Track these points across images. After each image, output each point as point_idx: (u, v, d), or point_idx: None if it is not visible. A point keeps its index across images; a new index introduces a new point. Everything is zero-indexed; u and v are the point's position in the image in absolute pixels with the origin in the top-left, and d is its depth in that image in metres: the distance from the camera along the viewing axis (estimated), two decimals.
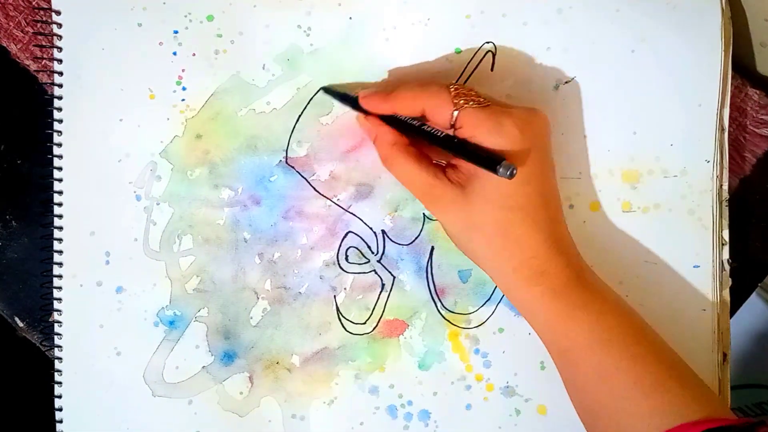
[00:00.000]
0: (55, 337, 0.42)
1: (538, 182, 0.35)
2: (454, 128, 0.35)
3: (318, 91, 0.41)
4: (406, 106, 0.37)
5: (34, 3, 0.42)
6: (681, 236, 0.41)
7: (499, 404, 0.41)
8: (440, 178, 0.36)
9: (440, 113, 0.35)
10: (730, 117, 0.41)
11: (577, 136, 0.41)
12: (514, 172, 0.32)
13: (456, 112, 0.35)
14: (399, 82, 0.40)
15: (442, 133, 0.36)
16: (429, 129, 0.36)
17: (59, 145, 0.41)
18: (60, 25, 0.41)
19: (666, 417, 0.33)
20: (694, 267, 0.41)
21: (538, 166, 0.35)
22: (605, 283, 0.38)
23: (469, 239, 0.37)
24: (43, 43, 0.42)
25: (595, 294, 0.36)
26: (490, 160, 0.33)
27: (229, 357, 0.42)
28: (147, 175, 0.41)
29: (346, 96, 0.40)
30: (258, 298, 0.42)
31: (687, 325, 0.40)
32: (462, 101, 0.35)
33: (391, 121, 0.38)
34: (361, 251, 0.42)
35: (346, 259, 0.42)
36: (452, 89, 0.35)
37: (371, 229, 0.42)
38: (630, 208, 0.41)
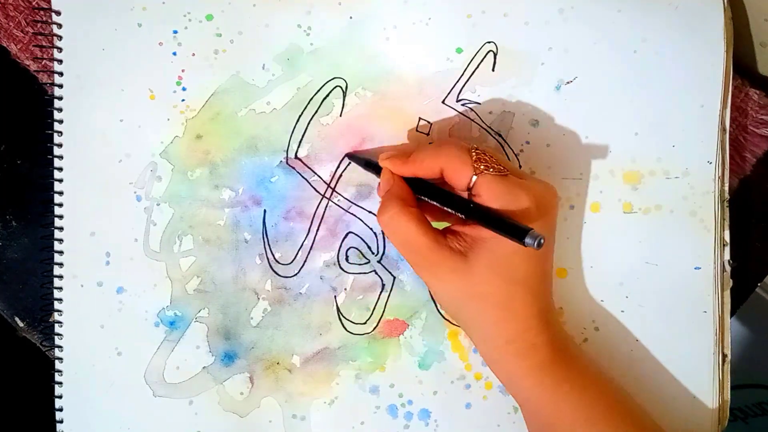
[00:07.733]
0: (56, 337, 0.42)
1: (543, 257, 0.35)
2: (470, 193, 0.35)
3: (344, 157, 0.41)
4: (425, 167, 0.36)
5: (34, 3, 0.42)
6: (682, 238, 0.41)
7: (498, 402, 0.42)
8: (441, 243, 0.35)
9: (459, 176, 0.35)
10: (730, 117, 0.41)
11: (579, 136, 0.41)
12: (542, 242, 0.31)
13: (475, 177, 0.34)
14: (419, 144, 0.40)
15: (471, 202, 0.35)
16: (456, 196, 0.35)
17: (59, 145, 0.41)
18: (60, 25, 0.41)
19: None
20: (695, 269, 0.41)
21: (546, 242, 0.36)
22: (585, 353, 0.38)
23: (464, 308, 0.36)
24: (43, 43, 0.42)
25: (578, 368, 0.36)
26: (517, 230, 0.32)
27: (229, 357, 0.42)
28: (147, 175, 0.41)
29: (369, 162, 0.39)
30: (258, 298, 0.42)
31: (688, 327, 0.40)
32: (482, 167, 0.34)
33: (414, 185, 0.37)
34: (361, 252, 0.42)
35: (347, 259, 0.42)
36: (473, 153, 0.35)
37: (371, 229, 0.42)
38: (631, 209, 0.41)
